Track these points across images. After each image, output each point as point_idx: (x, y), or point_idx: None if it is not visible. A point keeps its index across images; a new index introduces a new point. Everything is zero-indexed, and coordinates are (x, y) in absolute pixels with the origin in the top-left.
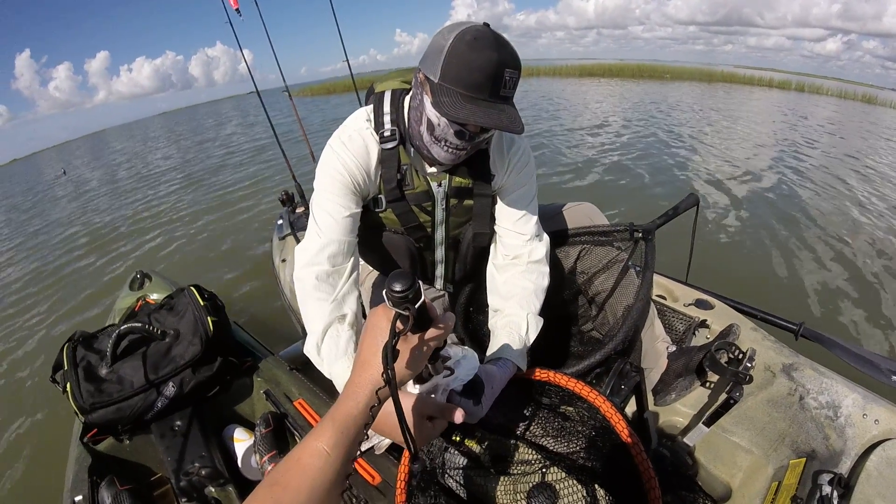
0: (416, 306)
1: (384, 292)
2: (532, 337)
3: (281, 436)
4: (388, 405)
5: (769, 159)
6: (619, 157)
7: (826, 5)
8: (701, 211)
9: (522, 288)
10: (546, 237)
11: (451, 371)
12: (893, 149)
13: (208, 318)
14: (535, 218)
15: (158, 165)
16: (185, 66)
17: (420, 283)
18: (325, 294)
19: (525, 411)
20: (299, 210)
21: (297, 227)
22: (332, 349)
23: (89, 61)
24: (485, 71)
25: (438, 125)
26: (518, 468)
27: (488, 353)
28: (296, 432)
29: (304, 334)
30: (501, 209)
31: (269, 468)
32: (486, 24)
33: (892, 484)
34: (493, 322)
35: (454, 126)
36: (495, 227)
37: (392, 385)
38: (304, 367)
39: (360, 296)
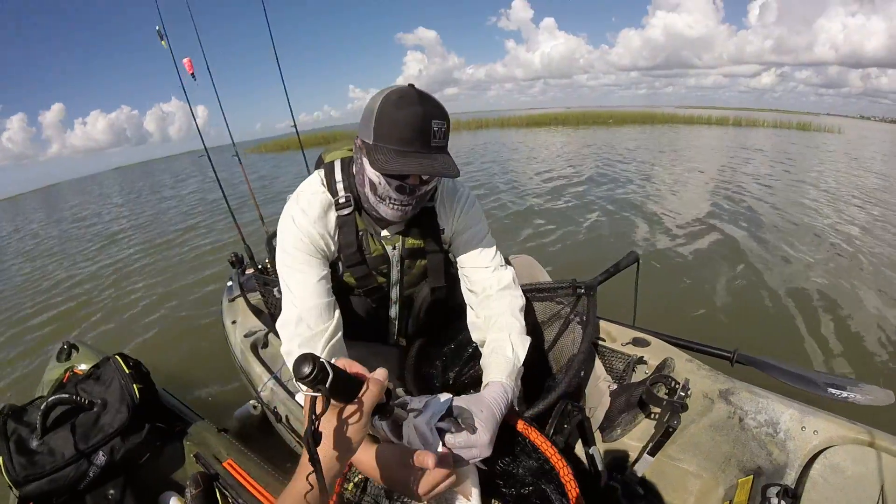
0: (328, 384)
1: (294, 380)
2: (521, 355)
3: (211, 496)
4: (362, 454)
5: (707, 197)
6: (561, 205)
7: (759, 42)
8: (642, 258)
9: (499, 313)
10: (511, 266)
11: (417, 411)
12: (822, 170)
13: (133, 385)
14: (494, 249)
15: (108, 226)
16: (140, 121)
17: (325, 362)
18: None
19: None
20: (249, 271)
21: (247, 287)
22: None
23: (44, 113)
24: (412, 125)
25: (380, 184)
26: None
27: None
28: (226, 492)
29: (257, 393)
30: (460, 252)
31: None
32: (411, 85)
33: (837, 488)
34: (483, 356)
35: (393, 182)
36: (460, 272)
37: (317, 469)
38: (239, 428)
39: (344, 350)
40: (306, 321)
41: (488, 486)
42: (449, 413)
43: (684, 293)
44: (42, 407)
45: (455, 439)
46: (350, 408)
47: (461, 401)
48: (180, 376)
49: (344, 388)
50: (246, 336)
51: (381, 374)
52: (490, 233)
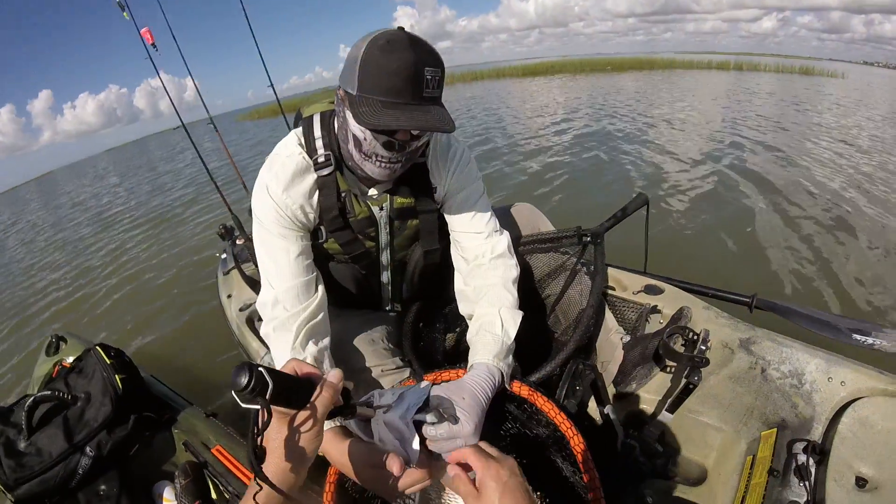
0: (269, 394)
1: (232, 392)
2: (511, 332)
3: (202, 484)
4: (333, 451)
5: (713, 140)
6: (563, 154)
7: None
8: (651, 203)
9: (490, 285)
10: (506, 232)
11: (387, 406)
12: (830, 112)
13: (115, 376)
14: (489, 213)
15: (101, 210)
16: (130, 99)
17: (265, 370)
18: (284, 343)
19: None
20: (240, 242)
21: (241, 258)
22: None
23: (32, 102)
24: (402, 73)
25: (365, 139)
26: None
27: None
28: (216, 479)
29: None
30: (452, 215)
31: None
32: (401, 28)
33: (868, 443)
34: (469, 331)
35: (381, 137)
36: (451, 236)
37: (269, 485)
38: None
39: (326, 330)
40: (283, 303)
41: None
42: (428, 403)
43: (695, 236)
44: (26, 406)
45: (435, 431)
46: (301, 415)
47: (440, 389)
48: (171, 360)
49: (291, 394)
50: (241, 310)
51: (334, 375)
52: (485, 193)
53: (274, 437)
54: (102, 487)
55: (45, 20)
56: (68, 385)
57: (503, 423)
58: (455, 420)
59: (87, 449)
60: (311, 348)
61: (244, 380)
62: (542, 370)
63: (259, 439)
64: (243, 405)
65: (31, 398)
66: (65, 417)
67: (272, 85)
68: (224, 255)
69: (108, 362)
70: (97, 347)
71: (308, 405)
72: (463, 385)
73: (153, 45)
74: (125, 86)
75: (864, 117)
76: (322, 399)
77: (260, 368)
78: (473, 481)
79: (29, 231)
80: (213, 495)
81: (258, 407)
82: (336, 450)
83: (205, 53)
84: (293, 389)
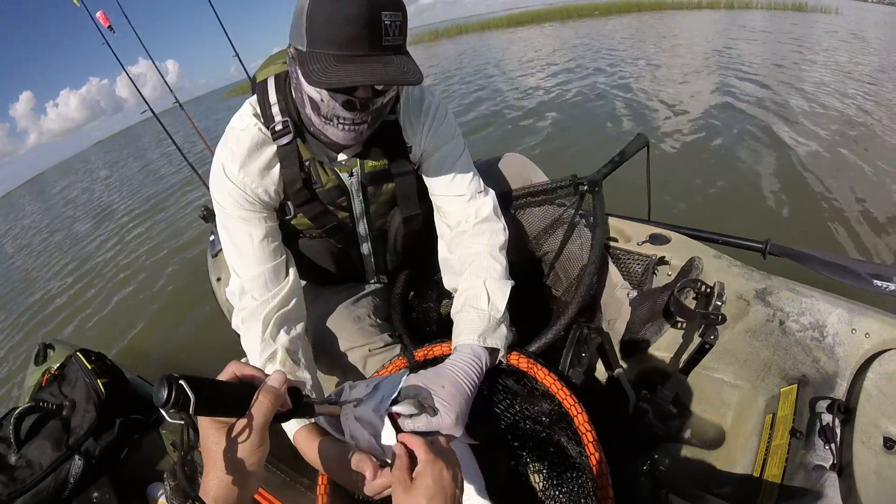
0: (193, 408)
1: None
2: (499, 305)
3: (187, 466)
4: (307, 449)
5: (712, 80)
6: (555, 102)
7: None
8: (651, 148)
9: (475, 254)
10: (491, 191)
11: (357, 400)
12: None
13: (98, 380)
14: (472, 174)
15: (91, 208)
16: (112, 90)
17: (186, 383)
18: (253, 335)
19: (487, 394)
20: None
21: None
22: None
23: (13, 106)
24: (356, 21)
25: (322, 101)
26: (489, 467)
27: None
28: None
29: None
30: (431, 176)
31: None
32: None
33: (895, 401)
34: (453, 308)
35: (339, 97)
36: (432, 200)
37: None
38: None
39: (300, 316)
40: (250, 292)
41: (495, 440)
42: (404, 392)
43: (699, 179)
44: (12, 420)
45: (413, 424)
46: (239, 424)
47: (418, 378)
48: (160, 357)
49: (224, 403)
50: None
51: (275, 378)
52: (466, 150)
53: (212, 450)
54: (95, 495)
55: (11, 20)
56: (53, 394)
57: (500, 400)
58: (434, 411)
59: (76, 457)
60: (283, 338)
61: (164, 394)
62: (542, 338)
63: (185, 455)
64: (169, 420)
65: (17, 411)
66: (52, 427)
67: (237, 54)
68: (212, 237)
69: (90, 367)
70: (78, 353)
71: (248, 413)
72: (442, 372)
73: (110, 27)
74: (105, 77)
75: (858, 50)
76: (260, 405)
77: (181, 381)
78: (412, 470)
79: (21, 236)
80: None
81: (182, 422)
82: (309, 449)
83: (181, 32)
84: (226, 397)
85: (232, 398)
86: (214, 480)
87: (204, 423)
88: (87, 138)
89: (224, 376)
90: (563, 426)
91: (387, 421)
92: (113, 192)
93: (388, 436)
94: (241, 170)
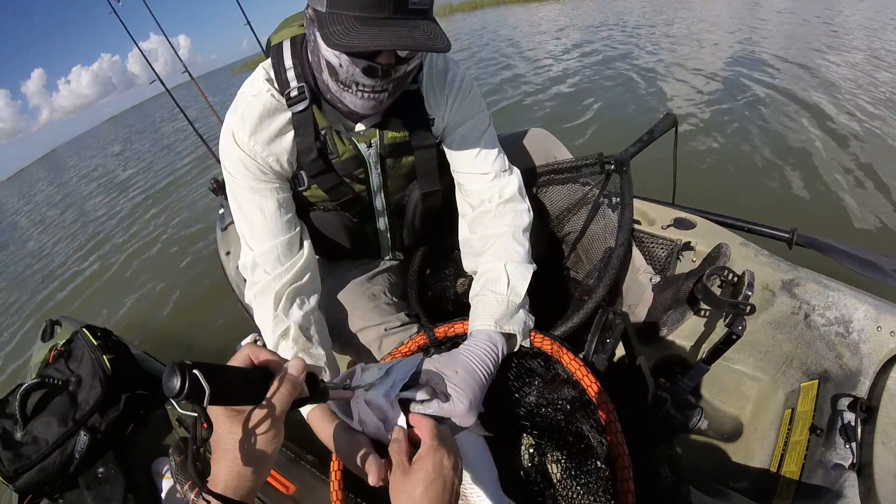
0: (207, 400)
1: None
2: (519, 290)
3: (199, 460)
4: (322, 431)
5: (739, 59)
6: (580, 78)
7: None
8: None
9: (497, 235)
10: (516, 170)
11: (369, 384)
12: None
13: (104, 356)
14: (496, 150)
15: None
16: (124, 66)
17: (200, 372)
18: (266, 310)
19: (508, 380)
20: None
21: None
22: None
23: (25, 83)
24: None
25: (341, 66)
26: (509, 454)
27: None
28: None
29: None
30: (454, 152)
31: (192, 496)
32: None
33: None
34: (472, 290)
35: (359, 62)
36: (455, 178)
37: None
38: None
39: (314, 289)
40: (262, 266)
41: (513, 426)
42: (418, 379)
43: (726, 163)
44: (18, 396)
45: (424, 411)
46: (256, 414)
47: (430, 363)
48: (168, 332)
49: (240, 392)
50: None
51: (294, 366)
52: (492, 125)
53: (224, 439)
54: (101, 470)
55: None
56: (59, 370)
57: (521, 385)
58: (446, 397)
59: (82, 432)
60: (296, 314)
61: (176, 384)
62: (568, 322)
63: (198, 448)
64: (181, 411)
65: (23, 387)
66: (58, 402)
67: (249, 23)
68: (221, 210)
69: (95, 343)
70: (83, 329)
71: (264, 402)
72: (456, 357)
73: None
74: (117, 53)
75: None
76: (279, 396)
77: (194, 371)
78: (411, 456)
79: (30, 214)
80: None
81: (195, 414)
82: (323, 431)
83: (194, 5)
84: (242, 386)
85: (247, 386)
86: (225, 471)
87: (215, 410)
88: (99, 114)
89: (237, 360)
90: (586, 414)
91: (396, 407)
92: (126, 167)
93: (397, 422)
94: (251, 137)
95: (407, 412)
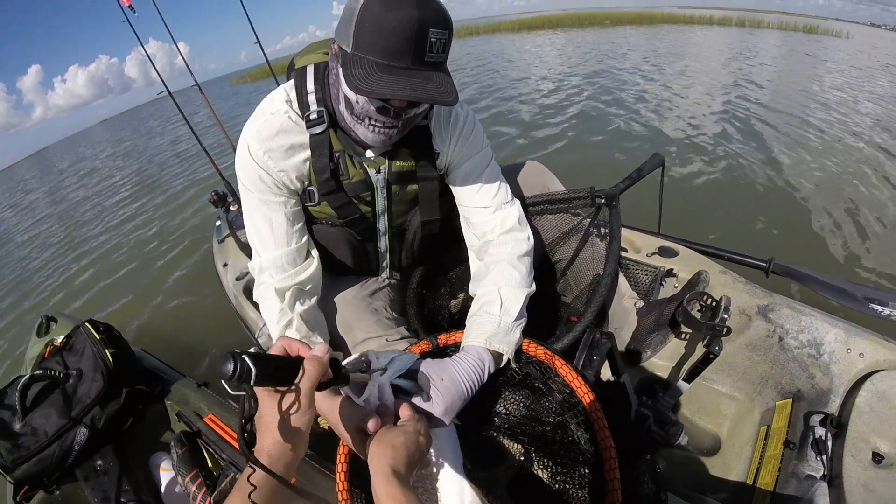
0: (254, 380)
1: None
2: (511, 311)
3: (197, 453)
4: (324, 406)
5: (724, 98)
6: (568, 113)
7: None
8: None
9: (496, 262)
10: (517, 200)
11: (382, 369)
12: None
13: (106, 350)
14: (497, 184)
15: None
16: (121, 69)
17: (248, 357)
18: (272, 304)
19: (501, 389)
20: (234, 208)
21: (236, 225)
22: None
23: (21, 78)
24: (403, 34)
25: (357, 102)
26: (499, 460)
27: None
28: (210, 448)
29: (255, 339)
30: (458, 188)
31: (194, 488)
32: None
33: (885, 418)
34: (469, 312)
35: (375, 102)
36: (460, 211)
37: (260, 468)
38: (215, 382)
39: (315, 292)
40: (268, 271)
41: (505, 432)
42: (412, 374)
43: (707, 197)
44: (19, 387)
45: (409, 399)
46: (289, 396)
47: (424, 365)
48: (165, 333)
49: (279, 375)
50: (238, 279)
51: (319, 349)
52: (493, 161)
53: (265, 416)
54: (99, 462)
55: None
56: (60, 363)
57: (512, 392)
58: (427, 398)
59: (81, 425)
60: (299, 308)
61: (230, 368)
62: (562, 340)
63: (248, 426)
64: (232, 392)
65: (24, 378)
66: (58, 395)
67: (259, 41)
68: (218, 223)
69: (98, 338)
70: (86, 324)
71: (295, 385)
72: (445, 366)
73: (130, 7)
74: (115, 55)
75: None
76: (308, 376)
77: (244, 356)
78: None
79: (22, 210)
80: (209, 463)
81: (244, 393)
82: (325, 405)
83: (194, 15)
84: (280, 370)
85: (284, 370)
86: (269, 441)
87: (260, 392)
88: (92, 116)
89: (275, 350)
90: (577, 420)
91: (390, 390)
92: (120, 170)
93: (390, 402)
94: (266, 152)
95: (396, 395)
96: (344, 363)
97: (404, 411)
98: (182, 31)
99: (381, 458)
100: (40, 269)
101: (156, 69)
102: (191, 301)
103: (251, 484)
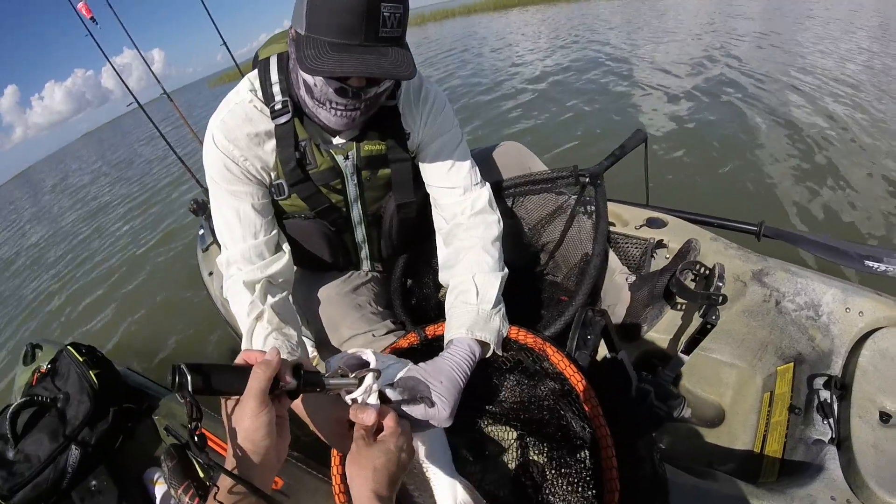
0: (192, 387)
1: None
2: (490, 297)
3: (188, 465)
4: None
5: (704, 65)
6: (551, 90)
7: None
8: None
9: (467, 248)
10: (487, 184)
11: (377, 372)
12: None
13: (90, 371)
14: (468, 164)
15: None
16: (98, 81)
17: (188, 366)
18: (242, 297)
19: (493, 376)
20: None
21: None
22: (255, 346)
23: None
24: (354, 10)
25: (315, 85)
26: (494, 448)
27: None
28: (200, 459)
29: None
30: (427, 167)
31: (186, 499)
32: None
33: (889, 376)
34: (446, 303)
35: (332, 83)
36: (429, 193)
37: (228, 474)
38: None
39: (286, 287)
40: (236, 264)
41: (499, 420)
42: (404, 384)
43: (694, 165)
44: (8, 416)
45: (411, 412)
46: (232, 401)
47: (418, 371)
48: (150, 350)
49: (227, 382)
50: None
51: (269, 355)
52: (464, 141)
53: (228, 426)
54: (94, 483)
55: None
56: (48, 388)
57: (506, 380)
58: (431, 404)
59: (73, 447)
60: (269, 300)
61: (170, 378)
62: (554, 325)
63: (194, 429)
64: (181, 400)
65: (12, 407)
66: (47, 420)
67: (225, 43)
68: (202, 231)
69: (81, 360)
70: (69, 347)
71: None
72: (440, 367)
73: (92, 19)
74: (91, 68)
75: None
76: (254, 375)
77: (182, 366)
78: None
79: (8, 237)
80: (201, 473)
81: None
82: (308, 406)
83: (166, 20)
84: (228, 377)
85: (234, 378)
86: (230, 450)
87: (229, 404)
88: (73, 131)
89: (238, 362)
90: (570, 405)
91: (375, 397)
92: (101, 185)
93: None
94: (230, 141)
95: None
96: (339, 359)
97: (388, 422)
98: (156, 38)
99: (363, 483)
100: (23, 294)
101: (123, 81)
102: (173, 314)
103: (217, 487)
